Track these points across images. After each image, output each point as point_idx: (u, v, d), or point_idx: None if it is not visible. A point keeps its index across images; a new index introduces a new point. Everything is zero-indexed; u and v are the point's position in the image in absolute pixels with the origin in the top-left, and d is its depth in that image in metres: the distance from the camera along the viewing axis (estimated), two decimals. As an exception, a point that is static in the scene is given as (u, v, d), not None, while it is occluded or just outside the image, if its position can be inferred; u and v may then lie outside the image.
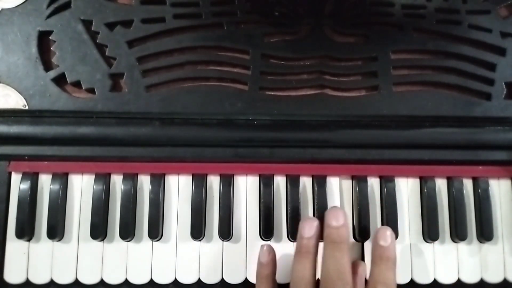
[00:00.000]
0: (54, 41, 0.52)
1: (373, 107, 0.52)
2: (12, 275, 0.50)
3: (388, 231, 0.47)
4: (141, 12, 0.52)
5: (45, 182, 0.51)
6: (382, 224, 0.51)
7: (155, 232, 0.50)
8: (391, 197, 0.51)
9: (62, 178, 0.51)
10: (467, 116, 0.52)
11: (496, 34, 0.53)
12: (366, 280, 0.48)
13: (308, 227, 0.47)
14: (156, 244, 0.51)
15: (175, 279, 0.50)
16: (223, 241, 0.51)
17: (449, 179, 0.53)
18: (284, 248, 0.51)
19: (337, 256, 0.44)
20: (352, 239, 0.52)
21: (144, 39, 0.52)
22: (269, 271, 0.48)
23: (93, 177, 0.51)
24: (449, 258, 0.51)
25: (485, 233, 0.51)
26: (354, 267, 0.48)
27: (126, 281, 0.50)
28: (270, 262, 0.48)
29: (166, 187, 0.52)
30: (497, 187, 0.53)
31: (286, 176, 0.52)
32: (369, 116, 0.52)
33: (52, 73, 0.51)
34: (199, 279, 0.50)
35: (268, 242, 0.51)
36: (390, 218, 0.51)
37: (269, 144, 0.51)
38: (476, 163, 0.52)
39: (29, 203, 0.50)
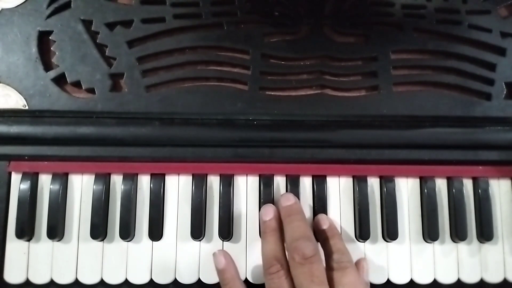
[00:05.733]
0: (54, 41, 0.52)
1: (373, 107, 0.52)
2: (12, 275, 0.50)
3: (324, 216, 0.51)
4: (141, 12, 0.52)
5: (45, 182, 0.51)
6: (382, 224, 0.51)
7: (155, 232, 0.50)
8: (391, 197, 0.51)
9: (62, 178, 0.51)
10: (467, 116, 0.52)
11: (496, 34, 0.53)
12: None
13: (266, 211, 0.49)
14: (156, 244, 0.51)
15: (175, 279, 0.50)
16: (223, 241, 0.51)
17: (449, 179, 0.53)
18: (284, 248, 0.51)
19: (297, 223, 0.47)
20: (353, 239, 0.52)
21: (144, 39, 0.52)
22: (230, 274, 0.48)
23: (93, 177, 0.51)
24: (449, 258, 0.51)
25: (485, 233, 0.51)
26: (356, 264, 0.49)
27: (126, 281, 0.50)
28: (228, 265, 0.48)
29: (166, 187, 0.52)
30: (497, 187, 0.53)
31: (286, 176, 0.52)
32: (369, 116, 0.52)
33: (52, 73, 0.51)
34: (199, 279, 0.50)
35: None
36: (390, 218, 0.51)
37: (269, 144, 0.51)
38: (476, 163, 0.52)
39: (29, 203, 0.50)
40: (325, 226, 0.49)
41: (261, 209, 0.50)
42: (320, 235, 0.49)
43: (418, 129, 0.52)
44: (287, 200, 0.49)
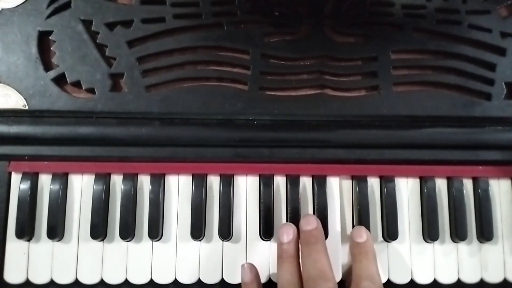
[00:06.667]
0: (54, 41, 0.52)
1: (373, 107, 0.52)
2: (12, 275, 0.50)
3: (363, 229, 0.48)
4: (141, 12, 0.52)
5: (45, 182, 0.51)
6: (382, 224, 0.51)
7: (155, 232, 0.50)
8: (391, 197, 0.51)
9: (62, 178, 0.51)
10: (467, 116, 0.52)
11: (496, 34, 0.53)
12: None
13: (286, 232, 0.47)
14: (156, 244, 0.51)
15: (175, 279, 0.50)
16: (223, 241, 0.51)
17: (449, 179, 0.53)
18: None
19: (315, 256, 0.45)
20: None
21: (144, 39, 0.52)
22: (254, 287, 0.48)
23: (93, 177, 0.51)
24: (449, 258, 0.51)
25: (485, 233, 0.51)
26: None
27: (126, 281, 0.50)
28: (254, 279, 0.48)
29: (166, 187, 0.52)
30: (497, 187, 0.53)
31: (286, 176, 0.52)
32: (369, 116, 0.52)
33: (52, 73, 0.51)
34: (199, 279, 0.50)
35: (268, 242, 0.51)
36: (390, 218, 0.51)
37: (269, 144, 0.51)
38: (476, 163, 0.52)
39: (29, 203, 0.50)
40: (360, 239, 0.47)
41: (280, 227, 0.48)
42: (353, 248, 0.47)
43: (418, 129, 0.52)
44: (308, 223, 0.47)
